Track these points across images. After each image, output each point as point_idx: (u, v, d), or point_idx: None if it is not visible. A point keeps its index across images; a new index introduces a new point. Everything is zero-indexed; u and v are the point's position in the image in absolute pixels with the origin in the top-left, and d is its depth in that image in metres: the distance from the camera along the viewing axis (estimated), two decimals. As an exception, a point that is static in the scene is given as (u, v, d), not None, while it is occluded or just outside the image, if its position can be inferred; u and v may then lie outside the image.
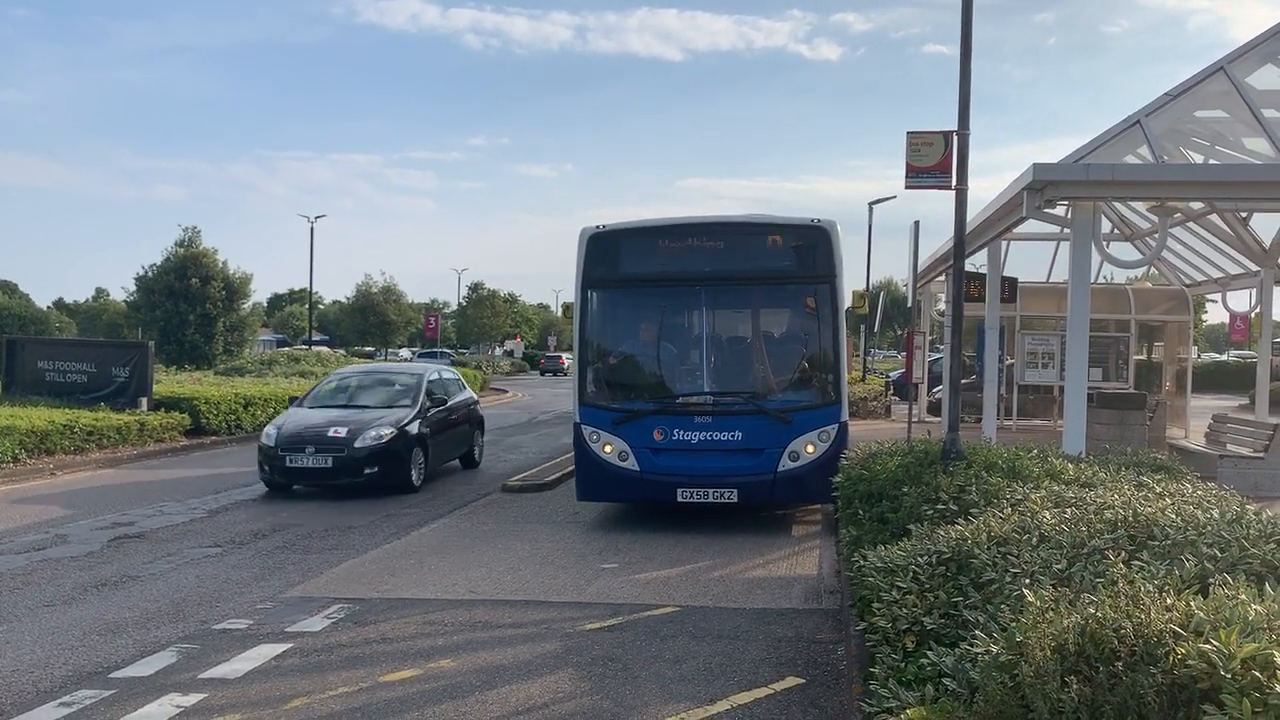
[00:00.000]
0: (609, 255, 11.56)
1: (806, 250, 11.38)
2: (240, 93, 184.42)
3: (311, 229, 60.81)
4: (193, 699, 5.93)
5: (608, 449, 11.17)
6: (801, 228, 11.47)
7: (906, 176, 9.14)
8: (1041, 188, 11.34)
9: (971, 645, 3.90)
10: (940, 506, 6.80)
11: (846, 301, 12.06)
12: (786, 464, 10.91)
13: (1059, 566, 4.72)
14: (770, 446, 10.93)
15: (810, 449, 10.97)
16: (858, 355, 42.21)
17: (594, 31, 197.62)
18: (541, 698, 5.97)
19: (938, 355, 28.30)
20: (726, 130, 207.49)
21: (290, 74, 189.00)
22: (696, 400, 11.24)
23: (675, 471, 10.96)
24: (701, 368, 11.46)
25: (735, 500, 10.88)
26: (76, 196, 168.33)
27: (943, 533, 5.71)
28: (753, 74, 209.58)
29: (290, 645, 6.99)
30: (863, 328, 46.43)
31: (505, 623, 7.59)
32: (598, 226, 11.49)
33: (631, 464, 11.08)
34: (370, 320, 77.16)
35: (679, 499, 10.94)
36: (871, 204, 36.02)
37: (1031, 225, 14.61)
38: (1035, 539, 5.24)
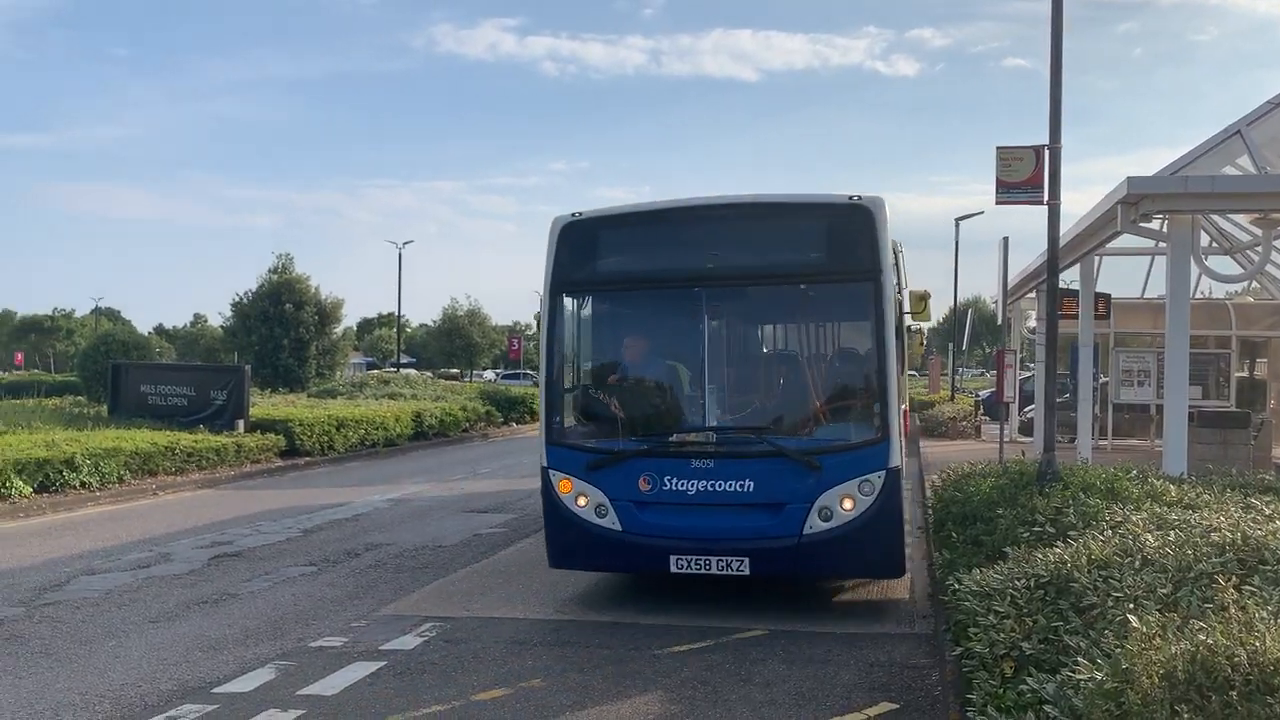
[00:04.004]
0: (586, 251, 8.99)
1: (843, 238, 8.47)
2: (326, 123, 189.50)
3: (400, 255, 62.19)
4: (291, 715, 6.07)
5: (581, 501, 8.54)
6: (835, 207, 8.47)
7: (997, 192, 9.01)
8: (1136, 201, 11.07)
9: (1074, 672, 3.81)
10: (1037, 529, 6.66)
11: (902, 306, 9.10)
12: (815, 524, 8.03)
13: (1164, 591, 4.59)
14: (793, 500, 8.10)
15: (847, 504, 8.00)
16: (945, 374, 41.54)
17: (668, 54, 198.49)
18: (632, 719, 5.98)
19: (1028, 374, 27.72)
20: (804, 149, 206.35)
21: (374, 104, 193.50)
22: (695, 438, 8.58)
23: (667, 532, 8.27)
24: (702, 395, 8.79)
25: (747, 571, 8.13)
26: (174, 226, 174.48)
27: (1040, 556, 5.59)
28: (829, 92, 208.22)
29: (384, 663, 7.11)
30: (950, 345, 45.70)
31: (594, 643, 7.61)
32: (573, 214, 8.94)
33: (611, 521, 8.43)
34: (456, 343, 78.29)
35: (673, 568, 8.26)
36: (958, 220, 35.50)
37: (1125, 240, 14.26)
38: (1138, 562, 5.11)
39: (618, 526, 8.41)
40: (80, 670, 7.04)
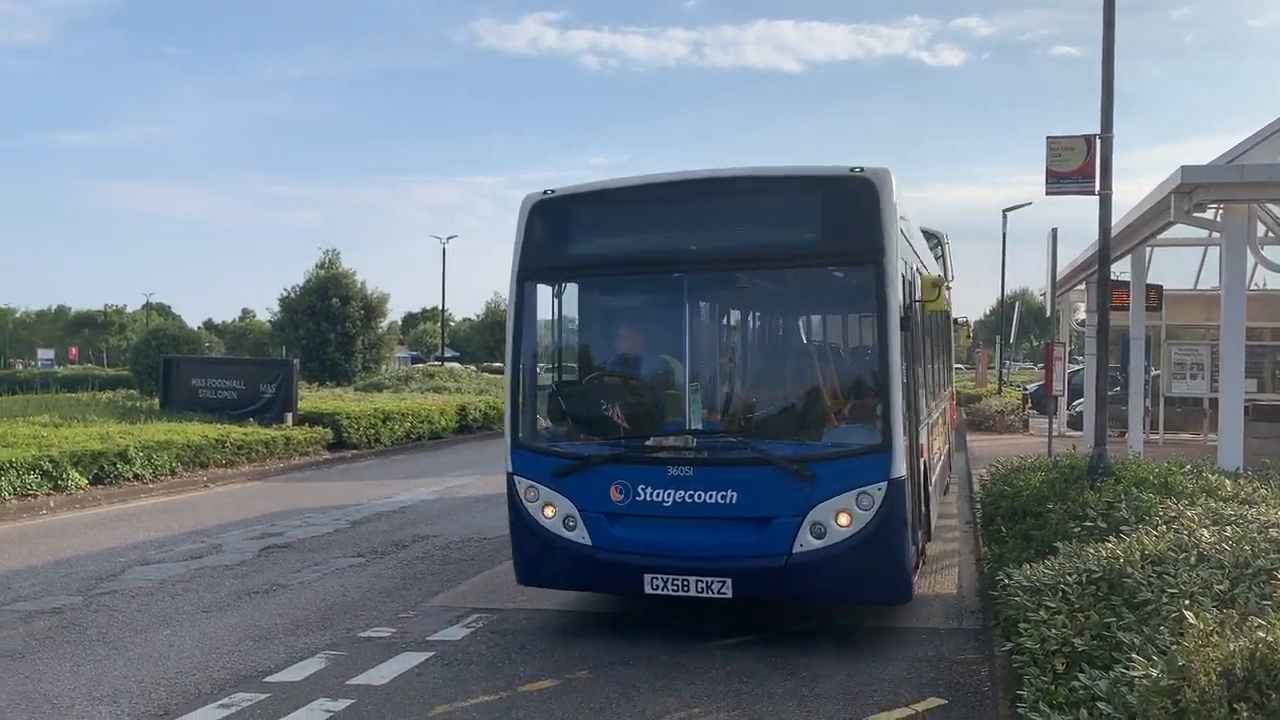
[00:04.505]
0: (558, 233, 8.10)
1: (842, 214, 7.47)
2: (370, 119, 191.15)
3: (444, 249, 62.62)
4: (342, 704, 6.15)
5: (549, 512, 7.66)
6: (834, 180, 7.50)
7: (1047, 182, 8.89)
8: (1190, 191, 10.86)
9: (1128, 669, 3.75)
10: (1088, 523, 6.58)
11: (913, 293, 7.97)
12: (807, 541, 7.06)
13: (1220, 587, 4.52)
14: (781, 514, 7.15)
15: (843, 520, 7.03)
16: (993, 367, 41.12)
17: (710, 46, 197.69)
18: (679, 712, 5.99)
19: (1077, 367, 27.35)
20: (847, 139, 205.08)
21: (416, 100, 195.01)
22: (672, 442, 7.66)
23: (641, 548, 7.37)
24: (681, 395, 7.89)
25: (729, 594, 7.16)
26: (222, 223, 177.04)
27: (1092, 551, 5.52)
28: (873, 82, 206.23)
29: (432, 654, 7.18)
30: (998, 338, 45.24)
31: (641, 635, 7.62)
32: (545, 191, 8.07)
33: (581, 535, 7.54)
34: (499, 336, 78.38)
35: (647, 589, 7.34)
36: (1006, 211, 35.16)
37: (1178, 230, 14.01)
38: (1193, 558, 5.03)
39: (587, 541, 7.50)
40: (136, 658, 7.18)
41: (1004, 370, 40.95)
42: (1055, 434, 17.47)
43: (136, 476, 15.83)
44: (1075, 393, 24.89)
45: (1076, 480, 8.08)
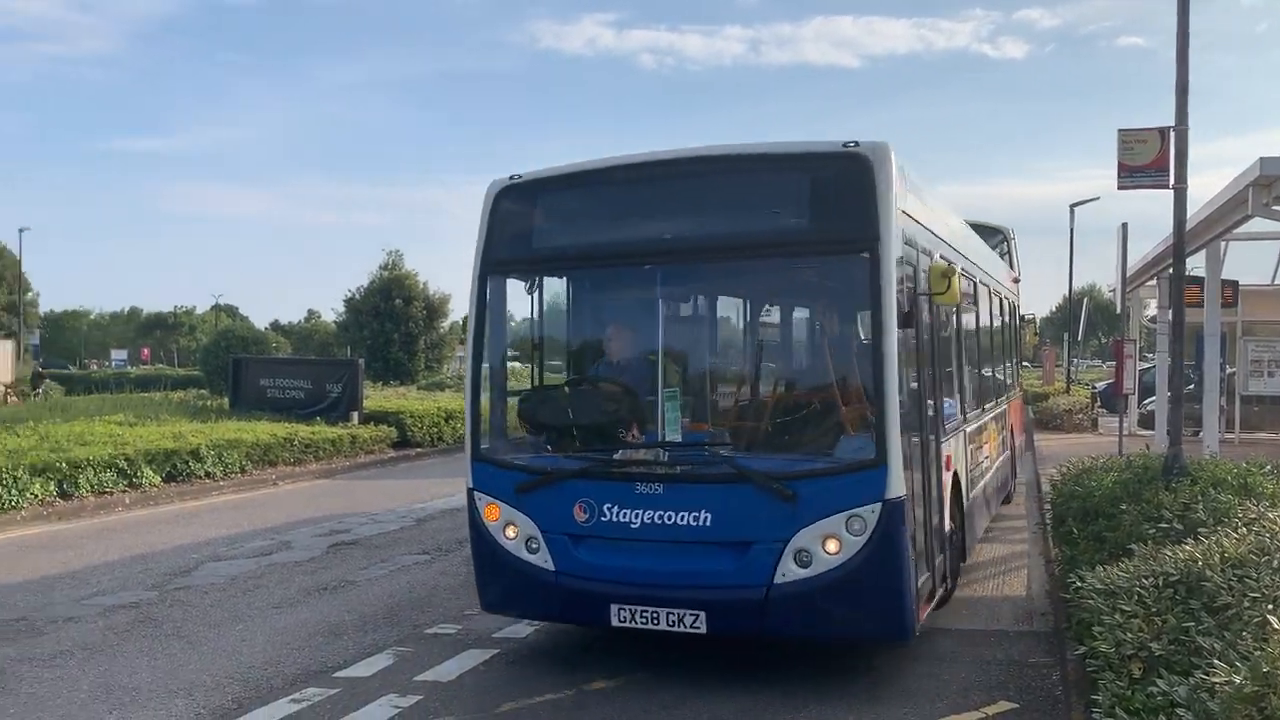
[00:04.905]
0: (524, 222, 7.29)
1: (833, 196, 6.51)
2: (429, 120, 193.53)
3: (504, 249, 62.76)
4: (410, 700, 6.23)
5: (510, 533, 6.87)
6: (824, 158, 6.56)
7: (1119, 176, 8.70)
8: (1269, 183, 10.59)
9: (1208, 674, 3.66)
10: (1163, 525, 6.42)
11: (919, 285, 6.87)
12: (790, 570, 6.13)
13: (1306, 592, 4.38)
14: (761, 539, 6.22)
15: (831, 546, 6.07)
16: (1060, 365, 40.40)
17: (768, 43, 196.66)
18: (744, 714, 5.96)
19: (1147, 365, 26.75)
20: (908, 134, 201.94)
21: (475, 101, 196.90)
22: (642, 455, 6.74)
23: (606, 575, 6.52)
24: (653, 402, 6.95)
25: (703, 629, 6.31)
26: (287, 224, 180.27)
27: (1169, 553, 5.39)
28: (933, 77, 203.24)
29: (497, 651, 7.24)
30: (1065, 336, 44.46)
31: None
32: (511, 176, 7.25)
33: (544, 559, 6.72)
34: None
35: (614, 621, 6.51)
36: (1073, 206, 34.36)
37: (1254, 224, 13.63)
38: (1276, 561, 4.89)
39: (550, 566, 6.69)
40: (210, 652, 7.34)
41: (1071, 368, 40.17)
42: (1126, 433, 17.11)
43: (208, 474, 16.19)
44: (1146, 391, 24.35)
45: (1150, 481, 7.90)
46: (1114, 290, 20.01)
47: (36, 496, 13.29)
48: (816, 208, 6.58)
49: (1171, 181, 8.48)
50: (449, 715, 5.98)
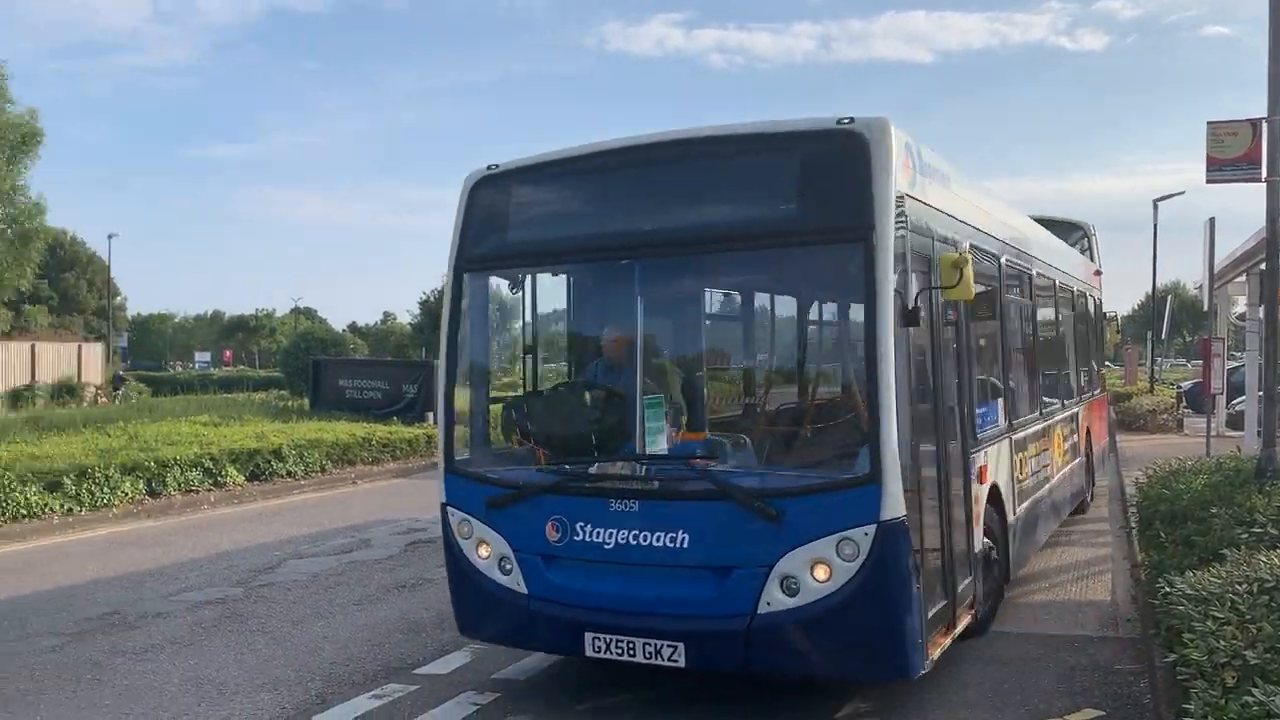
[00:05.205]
0: (503, 215, 6.69)
1: (825, 179, 5.78)
2: (500, 123, 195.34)
3: (575, 250, 63.11)
4: (488, 698, 6.30)
5: (483, 552, 6.35)
6: (816, 137, 5.84)
7: (1208, 170, 8.45)
8: (1367, 175, 10.17)
9: (1309, 685, 3.53)
10: (1257, 530, 6.22)
11: (928, 279, 6.08)
12: (775, 599, 5.50)
13: None
14: (743, 563, 5.59)
15: (820, 573, 5.43)
16: (1143, 364, 39.38)
17: (838, 40, 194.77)
18: (820, 716, 5.92)
19: (1236, 363, 25.96)
20: (984, 130, 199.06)
21: (544, 104, 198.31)
22: (617, 470, 6.17)
23: (578, 599, 5.98)
24: (630, 409, 6.18)
25: (681, 663, 5.69)
26: (363, 227, 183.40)
27: (1264, 559, 5.22)
28: (1009, 71, 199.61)
29: (573, 651, 7.27)
30: (1149, 334, 43.34)
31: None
32: (489, 167, 6.73)
33: (516, 581, 6.19)
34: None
35: (589, 651, 5.91)
36: (1156, 201, 33.38)
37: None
38: (1379, 569, 4.70)
39: (523, 589, 6.15)
40: (294, 648, 7.50)
41: (1155, 367, 39.12)
42: (1214, 434, 16.62)
43: (289, 473, 16.56)
44: (1234, 391, 23.62)
45: (1242, 484, 7.66)
46: (1200, 287, 19.45)
47: (127, 494, 13.73)
48: (807, 192, 5.87)
49: (1264, 174, 8.21)
50: (528, 714, 6.04)
